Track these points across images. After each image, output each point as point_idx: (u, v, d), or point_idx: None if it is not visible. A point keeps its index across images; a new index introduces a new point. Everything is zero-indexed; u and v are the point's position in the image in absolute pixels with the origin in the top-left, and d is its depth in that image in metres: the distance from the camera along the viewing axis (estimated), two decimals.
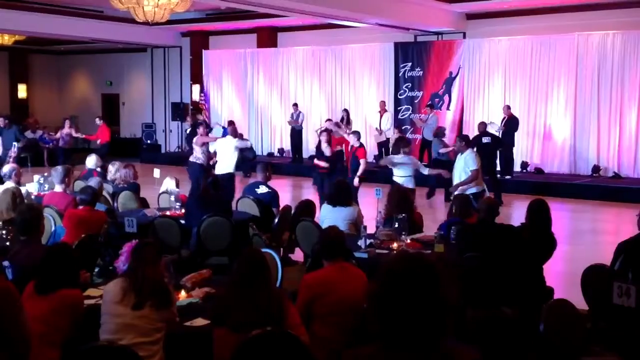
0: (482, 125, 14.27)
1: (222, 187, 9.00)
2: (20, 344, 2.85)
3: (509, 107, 15.39)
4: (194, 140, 11.80)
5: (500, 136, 14.54)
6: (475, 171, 9.28)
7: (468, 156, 9.44)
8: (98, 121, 18.60)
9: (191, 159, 11.61)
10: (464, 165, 9.40)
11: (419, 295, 2.07)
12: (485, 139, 12.91)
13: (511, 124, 15.14)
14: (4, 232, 5.86)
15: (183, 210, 7.61)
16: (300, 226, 6.92)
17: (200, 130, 12.21)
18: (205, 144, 11.60)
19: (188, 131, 17.07)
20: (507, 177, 14.86)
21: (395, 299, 2.08)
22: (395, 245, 5.96)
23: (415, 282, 2.08)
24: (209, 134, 12.49)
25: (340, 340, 4.15)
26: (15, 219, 5.33)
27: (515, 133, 15.30)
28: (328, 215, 6.80)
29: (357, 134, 11.08)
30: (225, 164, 11.19)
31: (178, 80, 22.69)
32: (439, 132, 14.12)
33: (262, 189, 8.23)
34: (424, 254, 2.51)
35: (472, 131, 16.47)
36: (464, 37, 17.32)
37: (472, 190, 9.02)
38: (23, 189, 8.10)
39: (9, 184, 7.87)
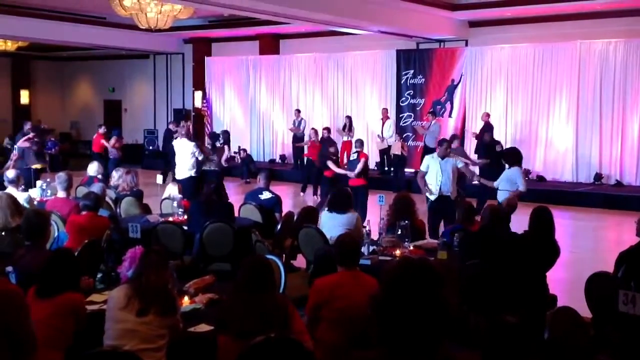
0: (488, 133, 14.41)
1: (183, 191, 9.01)
2: (26, 348, 2.85)
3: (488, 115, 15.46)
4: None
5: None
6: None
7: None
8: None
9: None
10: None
11: (418, 300, 2.07)
12: (498, 147, 13.16)
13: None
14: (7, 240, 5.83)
15: (185, 216, 7.61)
16: (302, 232, 6.91)
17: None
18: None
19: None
20: None
21: (396, 304, 2.08)
22: (398, 252, 5.94)
23: (415, 287, 2.09)
24: None
25: (345, 346, 4.13)
26: (21, 224, 5.31)
27: (517, 141, 15.31)
28: (327, 222, 6.82)
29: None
30: (183, 167, 11.12)
31: (180, 86, 22.74)
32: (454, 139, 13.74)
33: (266, 195, 8.23)
34: (426, 259, 2.51)
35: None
36: (466, 44, 17.34)
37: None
38: (25, 194, 8.13)
39: (12, 189, 7.85)
